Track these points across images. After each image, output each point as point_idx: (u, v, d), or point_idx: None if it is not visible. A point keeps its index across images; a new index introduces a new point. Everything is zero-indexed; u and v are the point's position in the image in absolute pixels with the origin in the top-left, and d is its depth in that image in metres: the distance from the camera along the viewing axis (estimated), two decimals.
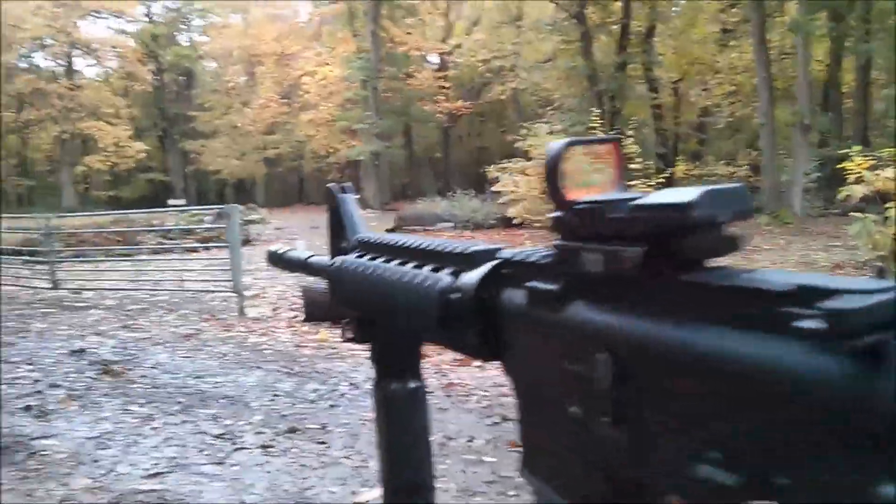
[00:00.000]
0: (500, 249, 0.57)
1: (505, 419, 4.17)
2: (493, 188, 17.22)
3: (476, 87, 37.33)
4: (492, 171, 17.25)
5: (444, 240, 0.68)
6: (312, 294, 7.37)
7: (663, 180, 9.78)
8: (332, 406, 4.52)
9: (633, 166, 9.60)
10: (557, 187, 0.43)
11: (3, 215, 17.43)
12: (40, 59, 42.44)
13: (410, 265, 0.66)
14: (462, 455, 3.67)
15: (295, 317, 7.57)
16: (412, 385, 0.82)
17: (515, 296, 0.50)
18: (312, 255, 0.93)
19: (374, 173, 31.04)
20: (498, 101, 35.14)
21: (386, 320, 0.74)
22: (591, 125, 10.98)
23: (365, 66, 30.89)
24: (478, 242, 0.63)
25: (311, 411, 4.42)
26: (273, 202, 39.81)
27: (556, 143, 0.44)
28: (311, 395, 4.74)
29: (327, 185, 0.87)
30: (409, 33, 36.17)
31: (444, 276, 0.60)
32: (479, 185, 22.02)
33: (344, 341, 0.81)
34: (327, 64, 36.14)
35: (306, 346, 6.21)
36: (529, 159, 15.48)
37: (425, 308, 0.60)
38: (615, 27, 24.83)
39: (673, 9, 25.43)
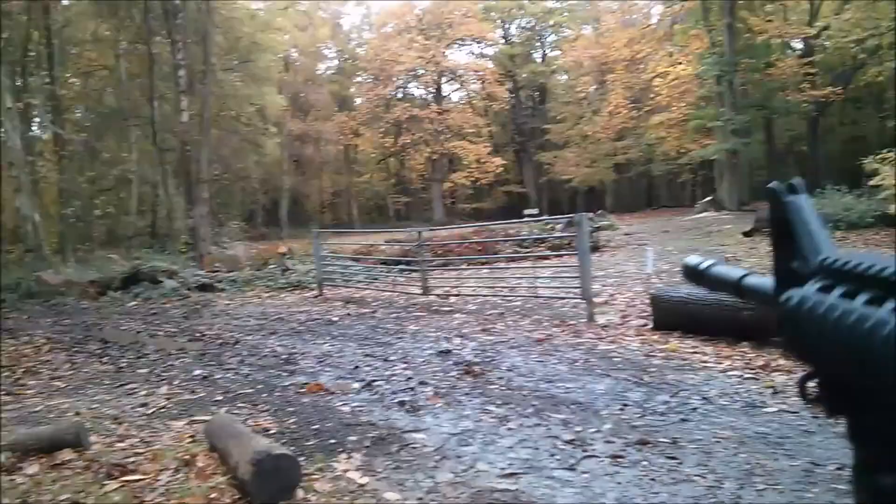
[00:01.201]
0: None
1: None
2: (872, 182, 15.15)
3: (848, 70, 33.22)
4: (870, 162, 15.18)
5: None
6: (662, 302, 7.18)
7: None
8: (683, 420, 4.34)
9: None
10: None
11: (385, 230, 19.91)
12: (413, 88, 48.01)
13: None
14: (831, 484, 3.26)
15: (644, 325, 7.43)
16: None
17: None
18: (748, 274, 0.70)
19: (729, 172, 29.30)
20: (875, 83, 30.84)
21: (881, 393, 0.51)
22: None
23: (719, 60, 29.33)
24: None
25: (662, 424, 4.29)
26: (622, 208, 39.81)
27: None
28: (661, 408, 4.60)
29: (768, 185, 0.65)
30: (769, 20, 33.49)
31: None
32: (853, 179, 19.54)
33: (805, 402, 0.59)
34: (679, 63, 35.08)
35: (655, 356, 6.05)
36: None
37: None
38: None
39: None
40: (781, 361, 5.51)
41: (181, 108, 21.78)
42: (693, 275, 0.79)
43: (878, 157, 15.04)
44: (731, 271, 0.73)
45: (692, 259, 0.79)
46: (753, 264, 12.03)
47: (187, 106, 21.75)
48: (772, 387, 4.87)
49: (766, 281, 0.65)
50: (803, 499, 3.16)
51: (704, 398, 4.74)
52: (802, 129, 36.45)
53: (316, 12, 45.50)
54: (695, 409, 4.55)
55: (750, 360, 5.66)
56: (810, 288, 0.56)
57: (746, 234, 16.82)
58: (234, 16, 28.90)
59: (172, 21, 22.32)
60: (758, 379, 5.12)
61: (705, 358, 5.87)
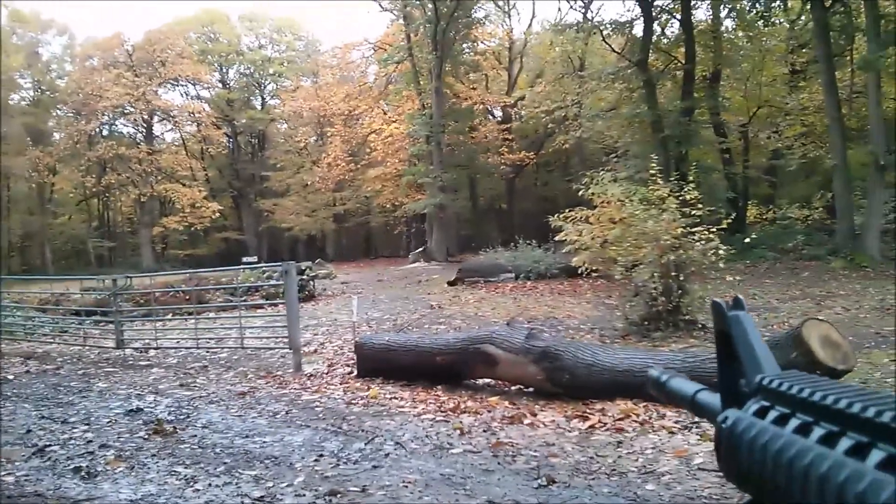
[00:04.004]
0: None
1: (552, 482, 3.98)
2: (557, 238, 17.02)
3: (540, 137, 37.43)
4: (555, 220, 17.09)
5: None
6: (365, 349, 7.33)
7: (726, 225, 9.47)
8: (375, 467, 4.41)
9: (696, 212, 9.31)
10: None
11: (83, 276, 18.14)
12: (121, 125, 44.90)
13: (843, 444, 0.43)
14: None
15: (350, 372, 7.52)
16: None
17: None
18: (702, 390, 0.67)
19: (438, 225, 31.22)
20: (562, 150, 35.09)
21: None
22: (651, 172, 10.77)
23: (428, 122, 31.38)
24: None
25: (354, 472, 4.31)
26: (341, 257, 40.51)
27: None
28: (355, 455, 4.64)
29: (714, 300, 0.62)
30: (472, 88, 36.69)
31: None
32: (543, 235, 21.84)
33: None
34: (393, 121, 36.91)
35: (356, 404, 6.13)
36: (593, 207, 15.25)
37: None
38: (679, 73, 24.57)
39: (739, 52, 25.01)
40: (470, 403, 5.88)
41: None
42: (655, 386, 0.76)
43: (562, 215, 16.95)
44: (686, 386, 0.70)
45: (654, 372, 0.76)
46: (454, 311, 12.84)
47: None
48: (459, 428, 5.16)
49: (715, 398, 0.62)
50: None
51: (398, 443, 4.88)
52: (502, 189, 40.13)
53: (10, 38, 40.90)
54: (387, 454, 4.66)
55: (442, 402, 5.96)
56: (747, 410, 0.54)
57: (451, 284, 17.96)
58: None
59: None
60: (448, 421, 5.40)
61: (402, 403, 6.07)
